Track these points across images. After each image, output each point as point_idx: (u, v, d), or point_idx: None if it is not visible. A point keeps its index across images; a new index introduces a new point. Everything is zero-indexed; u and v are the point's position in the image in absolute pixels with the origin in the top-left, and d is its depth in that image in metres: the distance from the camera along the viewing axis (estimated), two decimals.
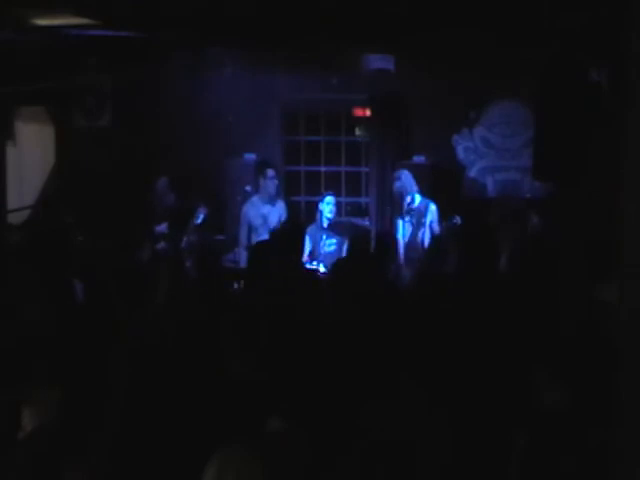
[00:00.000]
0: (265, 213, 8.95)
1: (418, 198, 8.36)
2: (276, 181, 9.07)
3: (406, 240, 8.38)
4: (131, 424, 3.52)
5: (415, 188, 8.39)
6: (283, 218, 9.03)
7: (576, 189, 8.02)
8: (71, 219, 8.52)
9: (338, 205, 10.02)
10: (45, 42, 8.29)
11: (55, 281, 5.51)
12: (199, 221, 9.02)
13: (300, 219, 8.94)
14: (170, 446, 3.39)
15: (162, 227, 9.03)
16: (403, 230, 8.37)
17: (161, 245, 8.81)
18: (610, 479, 2.80)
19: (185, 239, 8.90)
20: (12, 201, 8.97)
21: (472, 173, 9.81)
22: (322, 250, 8.66)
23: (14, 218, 8.78)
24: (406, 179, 8.41)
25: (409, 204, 8.32)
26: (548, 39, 7.95)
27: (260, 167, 9.42)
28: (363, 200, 10.34)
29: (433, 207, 8.32)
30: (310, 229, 9.01)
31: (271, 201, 9.03)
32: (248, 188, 9.48)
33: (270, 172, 9.00)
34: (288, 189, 10.19)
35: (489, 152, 9.77)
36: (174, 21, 7.61)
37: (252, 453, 2.77)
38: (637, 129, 2.60)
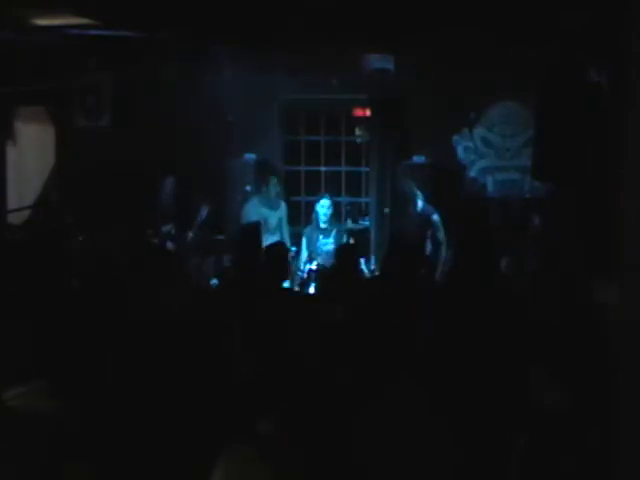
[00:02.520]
0: (266, 215, 8.98)
1: (420, 205, 8.33)
2: (278, 188, 9.12)
3: None
4: (131, 423, 3.52)
5: (419, 196, 8.37)
6: (284, 219, 9.06)
7: (576, 189, 8.01)
8: (71, 219, 8.52)
9: (338, 205, 10.02)
10: (45, 42, 8.29)
11: (55, 281, 5.51)
12: (202, 218, 9.04)
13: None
14: (169, 445, 3.39)
15: (167, 227, 9.06)
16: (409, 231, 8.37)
17: (168, 245, 8.83)
18: (610, 479, 2.80)
19: (190, 235, 8.92)
20: (12, 201, 8.97)
21: (472, 173, 9.81)
22: (320, 249, 8.69)
23: (14, 218, 8.78)
24: (410, 189, 8.41)
25: (412, 210, 8.31)
26: (548, 39, 7.94)
27: (262, 170, 9.44)
28: (363, 200, 10.33)
29: (436, 217, 8.29)
30: (307, 231, 9.03)
31: (272, 205, 9.08)
32: (248, 188, 9.49)
33: (273, 180, 9.06)
34: (288, 189, 10.19)
35: (489, 152, 9.77)
36: (174, 21, 7.61)
37: (259, 455, 2.76)
38: (637, 129, 2.60)
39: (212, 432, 3.33)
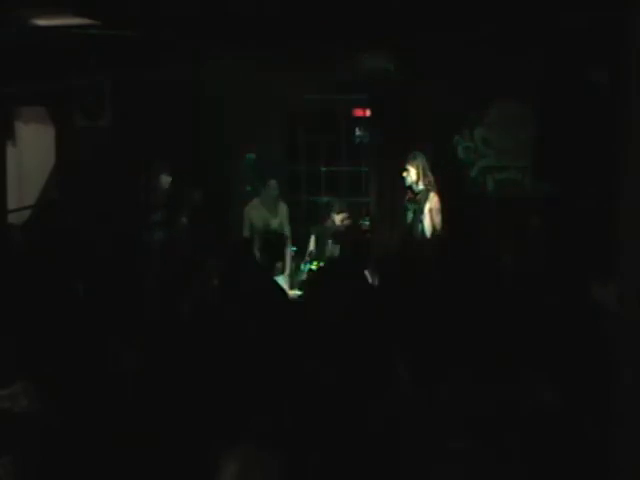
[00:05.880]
0: (266, 216, 8.94)
1: (420, 186, 8.29)
2: (277, 191, 9.05)
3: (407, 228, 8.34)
4: (135, 422, 3.53)
5: (420, 176, 8.33)
6: (285, 222, 9.01)
7: (576, 189, 8.02)
8: (71, 218, 8.51)
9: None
10: (45, 42, 8.29)
11: (56, 281, 5.52)
12: (196, 202, 8.92)
13: None
14: (170, 444, 3.39)
15: (157, 215, 8.92)
16: (406, 218, 8.36)
17: (157, 234, 8.67)
18: (609, 477, 2.80)
19: (184, 220, 8.77)
20: (12, 201, 8.96)
21: (472, 173, 9.80)
22: (328, 253, 8.62)
23: (14, 218, 8.78)
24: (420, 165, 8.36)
25: (411, 191, 8.29)
26: (548, 39, 7.94)
27: (261, 171, 9.40)
28: (363, 200, 10.33)
29: (433, 195, 8.25)
30: (316, 229, 8.96)
31: (273, 207, 9.00)
32: (248, 188, 9.47)
33: (272, 183, 8.98)
34: (288, 189, 10.18)
35: (489, 152, 9.76)
36: (174, 21, 7.62)
37: (259, 455, 2.76)
38: (637, 129, 2.60)
39: (213, 432, 3.34)
